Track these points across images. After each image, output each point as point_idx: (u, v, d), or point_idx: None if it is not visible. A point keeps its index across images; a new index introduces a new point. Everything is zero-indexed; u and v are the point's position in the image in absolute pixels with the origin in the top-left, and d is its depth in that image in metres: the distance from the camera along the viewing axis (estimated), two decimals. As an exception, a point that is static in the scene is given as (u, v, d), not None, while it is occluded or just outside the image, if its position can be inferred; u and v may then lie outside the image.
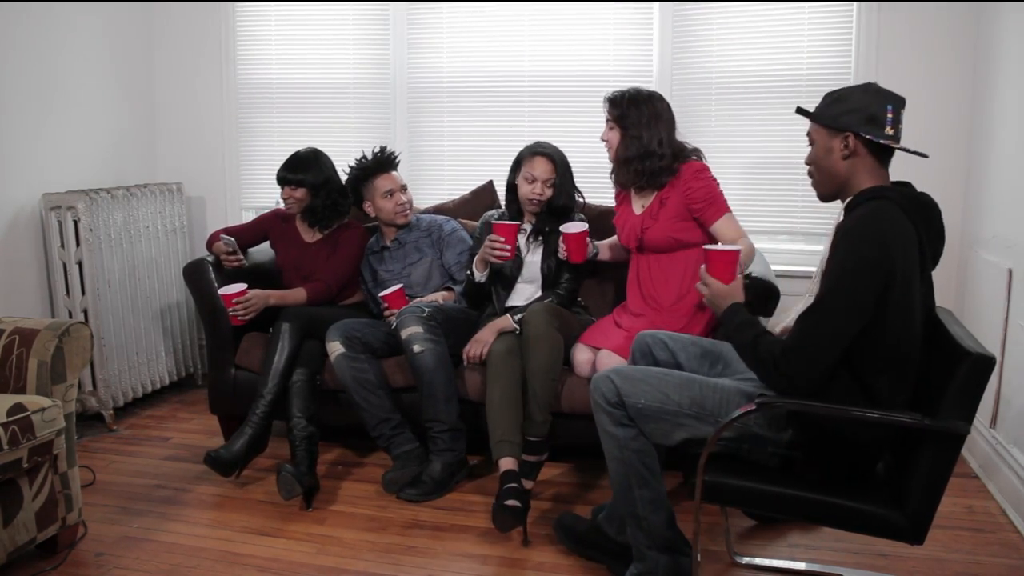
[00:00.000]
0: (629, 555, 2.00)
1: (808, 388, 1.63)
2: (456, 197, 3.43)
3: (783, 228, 3.37)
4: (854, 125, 1.71)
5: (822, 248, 1.79)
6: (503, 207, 3.07)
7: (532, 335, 2.54)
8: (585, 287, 2.99)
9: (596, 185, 3.05)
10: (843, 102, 1.73)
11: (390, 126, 3.72)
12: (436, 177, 3.71)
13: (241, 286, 2.74)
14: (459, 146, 3.67)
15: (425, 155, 3.71)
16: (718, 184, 2.58)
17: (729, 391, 1.83)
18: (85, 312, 3.19)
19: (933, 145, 3.07)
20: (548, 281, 2.86)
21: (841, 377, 1.66)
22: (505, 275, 2.88)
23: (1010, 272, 2.54)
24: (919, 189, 1.76)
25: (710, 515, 2.43)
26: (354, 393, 2.66)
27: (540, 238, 2.87)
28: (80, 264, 3.16)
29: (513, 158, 2.89)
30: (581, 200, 2.92)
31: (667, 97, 2.69)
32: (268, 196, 3.77)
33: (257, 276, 3.01)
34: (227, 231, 3.08)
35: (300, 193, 2.99)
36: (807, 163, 1.83)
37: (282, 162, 3.02)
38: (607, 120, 2.62)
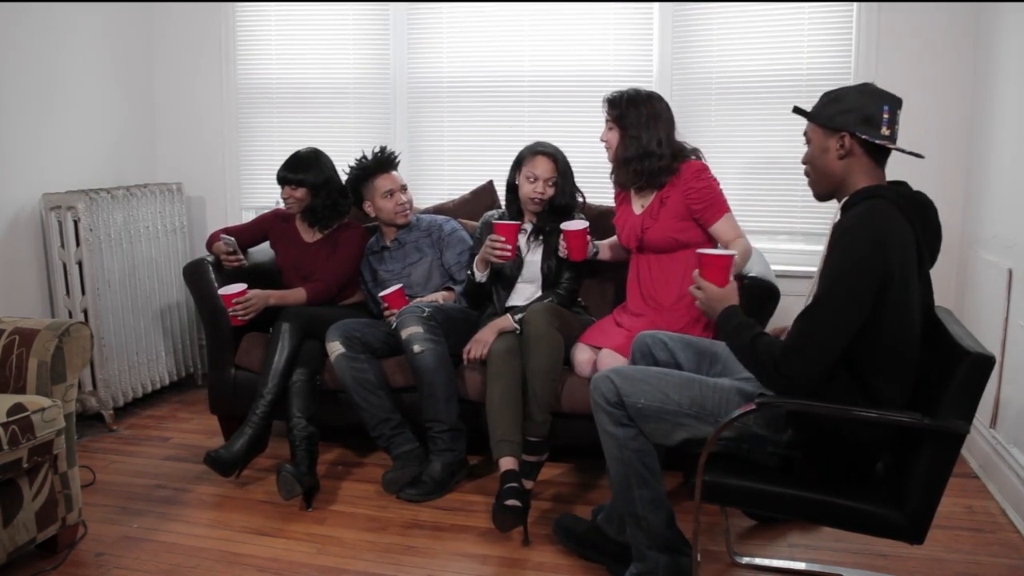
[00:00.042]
0: (629, 555, 2.00)
1: (808, 388, 1.63)
2: (456, 197, 3.43)
3: (783, 228, 3.37)
4: (850, 125, 1.71)
5: (821, 248, 1.79)
6: (503, 207, 3.07)
7: (532, 335, 2.54)
8: (585, 287, 2.99)
9: (596, 185, 3.05)
10: (839, 102, 1.74)
11: (390, 126, 3.72)
12: (436, 177, 3.71)
13: (241, 286, 2.74)
14: (459, 146, 3.67)
15: (425, 155, 3.72)
16: (718, 183, 2.58)
17: (729, 391, 1.84)
18: (85, 312, 3.19)
19: (933, 145, 3.09)
20: (548, 281, 2.87)
21: (840, 377, 1.66)
22: (505, 275, 2.89)
23: (1010, 272, 2.54)
24: (919, 189, 1.76)
25: (710, 515, 2.43)
26: (354, 393, 2.66)
27: (541, 237, 2.87)
28: (80, 264, 3.16)
29: (513, 158, 2.89)
30: (582, 200, 2.92)
31: (667, 97, 2.69)
32: (268, 196, 3.77)
33: (257, 276, 3.01)
34: (227, 231, 3.08)
35: (300, 193, 2.99)
36: (803, 162, 1.84)
37: (282, 162, 3.02)
38: (606, 120, 2.62)
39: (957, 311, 2.94)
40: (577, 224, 2.68)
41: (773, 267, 2.76)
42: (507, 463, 2.43)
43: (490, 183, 3.38)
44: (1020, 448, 2.44)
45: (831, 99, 1.76)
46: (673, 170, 2.57)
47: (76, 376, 2.27)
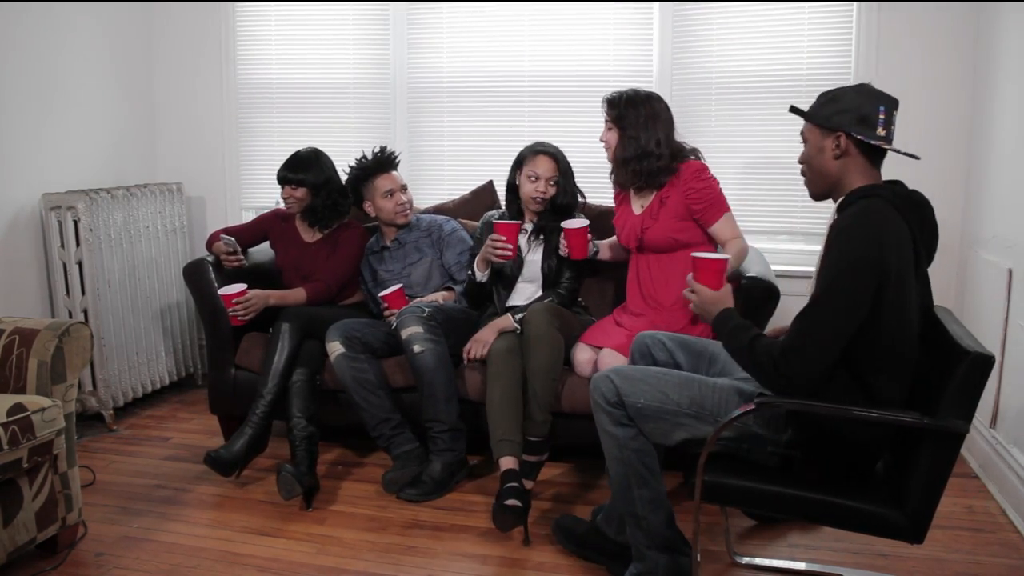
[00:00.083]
0: (628, 555, 2.00)
1: (808, 388, 1.63)
2: (456, 197, 3.43)
3: (783, 228, 3.37)
4: (846, 125, 1.71)
5: (820, 248, 1.79)
6: (503, 207, 3.07)
7: (533, 335, 2.54)
8: (585, 287, 2.99)
9: (596, 185, 3.05)
10: (836, 102, 1.74)
11: (390, 126, 3.72)
12: (436, 177, 3.71)
13: (241, 286, 2.74)
14: (459, 146, 3.67)
15: (425, 155, 3.72)
16: (718, 183, 2.59)
17: (728, 391, 1.84)
18: (85, 312, 3.19)
19: (933, 145, 3.09)
20: (549, 280, 2.87)
21: (840, 376, 1.66)
22: (506, 275, 2.89)
23: (1010, 272, 2.54)
24: (919, 189, 1.76)
25: (710, 515, 2.43)
26: (354, 393, 2.66)
27: (541, 237, 2.87)
28: (80, 264, 3.16)
29: (513, 158, 2.89)
30: (582, 200, 2.93)
31: (667, 97, 2.69)
32: (268, 196, 3.77)
33: (257, 276, 3.01)
34: (227, 231, 3.08)
35: (301, 193, 2.99)
36: (800, 162, 1.85)
37: (282, 162, 3.02)
38: (605, 121, 2.63)
39: (957, 311, 2.94)
40: (578, 222, 2.69)
41: (773, 267, 2.76)
42: (507, 463, 2.43)
43: (490, 183, 3.38)
44: (1020, 448, 2.44)
45: (828, 99, 1.77)
46: (672, 170, 2.58)
47: (76, 376, 2.27)
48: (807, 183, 1.84)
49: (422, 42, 3.64)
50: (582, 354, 2.64)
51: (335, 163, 3.10)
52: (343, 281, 3.03)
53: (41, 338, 2.21)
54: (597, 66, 3.45)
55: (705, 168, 2.59)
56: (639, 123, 2.55)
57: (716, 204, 2.55)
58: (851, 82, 1.93)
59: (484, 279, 2.83)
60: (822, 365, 1.62)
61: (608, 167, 2.70)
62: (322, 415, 2.74)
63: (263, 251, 3.22)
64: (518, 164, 2.87)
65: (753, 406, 1.67)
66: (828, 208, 1.84)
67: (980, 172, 2.96)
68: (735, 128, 3.34)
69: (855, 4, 3.15)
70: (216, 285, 2.88)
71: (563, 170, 2.84)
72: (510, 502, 2.28)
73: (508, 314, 2.71)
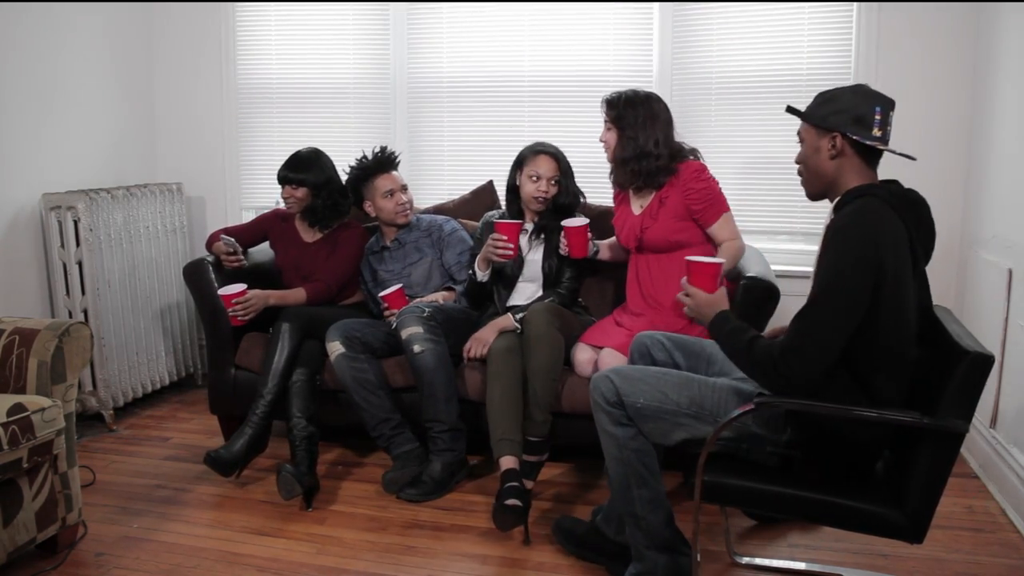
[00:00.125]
0: (628, 555, 2.00)
1: (808, 388, 1.63)
2: (456, 197, 3.43)
3: (783, 228, 3.37)
4: (842, 125, 1.72)
5: (818, 248, 1.80)
6: (503, 207, 3.07)
7: (533, 335, 2.54)
8: (585, 287, 2.99)
9: (596, 185, 3.05)
10: (832, 102, 1.75)
11: (390, 126, 3.72)
12: (436, 177, 3.71)
13: (241, 286, 2.74)
14: (459, 146, 3.67)
15: (425, 155, 3.72)
16: (718, 183, 2.59)
17: (728, 391, 1.84)
18: (85, 312, 3.19)
19: (933, 145, 3.09)
20: (549, 280, 2.87)
21: (839, 376, 1.66)
22: (506, 274, 2.89)
23: (1010, 272, 2.54)
24: (920, 189, 1.77)
25: (710, 515, 2.43)
26: (354, 393, 2.66)
27: (542, 236, 2.87)
28: (80, 264, 3.16)
29: (513, 158, 2.90)
30: (582, 200, 2.93)
31: (667, 97, 2.69)
32: (268, 196, 3.77)
33: (257, 276, 3.01)
34: (227, 231, 3.08)
35: (301, 193, 2.99)
36: (797, 162, 1.85)
37: (282, 162, 3.02)
38: (605, 121, 2.64)
39: (957, 311, 2.94)
40: (578, 221, 2.69)
41: (773, 267, 2.76)
42: (507, 462, 2.43)
43: (490, 183, 3.38)
44: (1020, 448, 2.44)
45: (825, 99, 1.77)
46: (671, 170, 2.58)
47: (76, 376, 2.27)
48: (804, 183, 1.85)
49: (422, 42, 3.64)
50: (582, 354, 2.64)
51: (335, 163, 3.10)
52: (343, 281, 3.03)
53: (41, 338, 2.21)
54: (597, 66, 3.45)
55: (704, 168, 2.59)
56: (638, 123, 2.56)
57: (715, 204, 2.55)
58: (851, 82, 1.93)
59: (485, 279, 2.83)
60: (822, 365, 1.62)
61: (608, 167, 2.71)
62: (322, 415, 2.74)
63: (263, 251, 3.22)
64: (518, 164, 2.87)
65: (753, 406, 1.67)
66: (828, 208, 1.84)
67: (980, 172, 2.96)
68: (735, 128, 3.33)
69: (855, 4, 3.15)
70: (216, 285, 2.88)
71: (564, 170, 2.85)
72: (510, 502, 2.28)
73: (508, 314, 2.71)
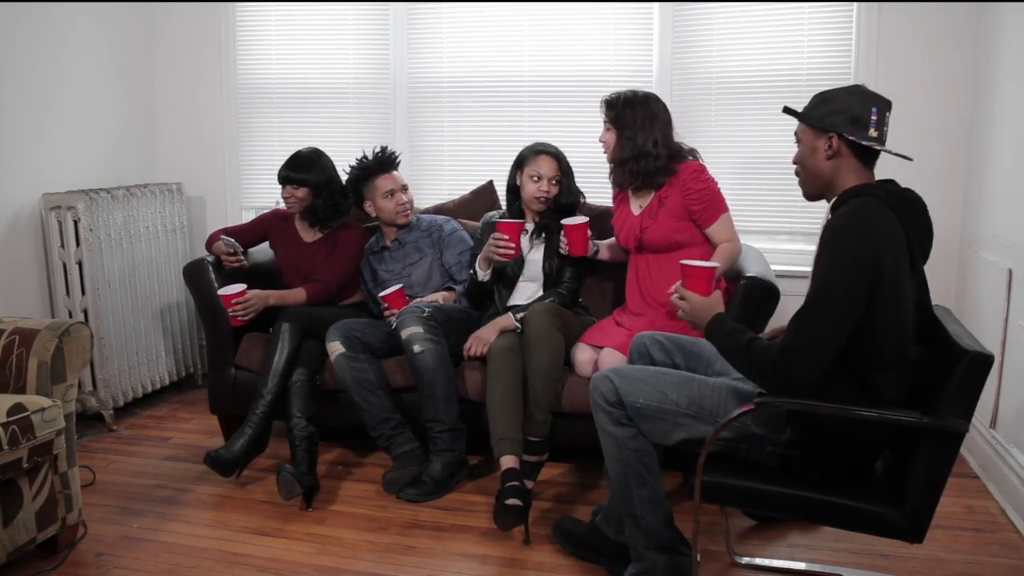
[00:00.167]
0: (627, 555, 2.00)
1: (807, 388, 1.63)
2: (456, 197, 3.43)
3: (783, 228, 3.37)
4: (838, 126, 1.72)
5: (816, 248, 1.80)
6: (503, 207, 3.07)
7: (533, 335, 2.54)
8: (585, 287, 2.99)
9: (596, 185, 3.06)
10: (829, 103, 1.75)
11: (390, 126, 3.72)
12: (436, 177, 3.71)
13: (240, 287, 2.74)
14: (459, 146, 3.67)
15: (425, 155, 3.72)
16: (717, 184, 2.59)
17: (727, 391, 1.84)
18: (85, 312, 3.19)
19: (933, 145, 3.09)
20: (550, 280, 2.87)
21: (839, 376, 1.66)
22: (507, 274, 2.89)
23: (1010, 272, 2.54)
24: (920, 189, 1.77)
25: (710, 515, 2.43)
26: (354, 393, 2.66)
27: (543, 235, 2.87)
28: (80, 264, 3.16)
29: (513, 158, 2.90)
30: (582, 201, 2.93)
31: (667, 97, 2.69)
32: (268, 196, 3.77)
33: (257, 276, 3.01)
34: (226, 231, 3.08)
35: (302, 193, 2.99)
36: (794, 162, 1.86)
37: (282, 162, 3.02)
38: (604, 122, 2.64)
39: (957, 311, 2.94)
40: (578, 219, 2.69)
41: (773, 267, 2.76)
42: (508, 461, 2.43)
43: (490, 183, 3.38)
44: (1020, 448, 2.44)
45: (821, 100, 1.78)
46: (670, 170, 2.58)
47: (76, 376, 2.27)
48: (801, 183, 1.86)
49: (422, 42, 3.64)
50: (582, 354, 2.64)
51: (335, 163, 3.10)
52: (343, 281, 3.03)
53: (41, 338, 2.21)
54: (597, 66, 3.45)
55: (703, 169, 2.59)
56: (636, 124, 2.56)
57: (714, 205, 2.56)
58: (851, 82, 1.94)
59: (486, 278, 2.83)
60: (821, 365, 1.62)
61: (608, 167, 2.71)
62: (322, 415, 2.74)
63: (263, 251, 3.22)
64: (519, 164, 2.87)
65: (752, 406, 1.67)
66: (827, 208, 1.84)
67: (980, 172, 2.96)
68: (735, 128, 3.33)
69: (855, 4, 3.15)
70: (216, 285, 2.88)
71: (564, 170, 2.86)
72: (511, 501, 2.28)
73: (509, 313, 2.71)
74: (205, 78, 3.85)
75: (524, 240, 2.88)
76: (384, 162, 3.02)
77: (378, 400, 2.67)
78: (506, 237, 2.67)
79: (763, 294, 2.46)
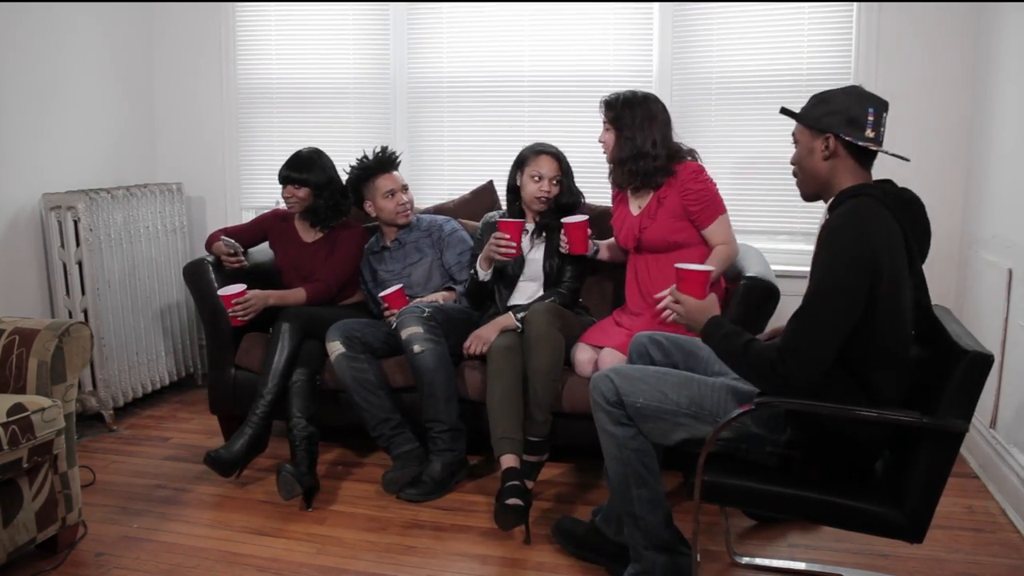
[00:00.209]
0: (627, 555, 2.00)
1: (806, 389, 1.63)
2: (456, 197, 3.43)
3: (783, 228, 3.37)
4: (835, 126, 1.73)
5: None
6: (504, 207, 3.07)
7: (534, 335, 2.54)
8: (585, 287, 2.99)
9: (596, 185, 3.06)
10: (826, 104, 1.76)
11: (390, 126, 3.72)
12: (436, 177, 3.71)
13: (240, 287, 2.74)
14: (459, 146, 3.67)
15: (425, 155, 3.72)
16: (715, 185, 2.60)
17: (727, 390, 1.84)
18: (85, 312, 3.19)
19: (933, 145, 3.09)
20: (550, 279, 2.87)
21: (838, 376, 1.66)
22: (507, 274, 2.89)
23: (1010, 272, 2.54)
24: (920, 189, 1.77)
25: (710, 515, 2.43)
26: (354, 393, 2.66)
27: (543, 234, 2.87)
28: (80, 264, 3.16)
29: (513, 158, 2.90)
30: (582, 201, 2.93)
31: (667, 97, 2.69)
32: (268, 196, 3.77)
33: (257, 276, 3.01)
34: (226, 231, 3.08)
35: (304, 192, 2.99)
36: (792, 163, 1.86)
37: (282, 162, 3.02)
38: (603, 122, 2.64)
39: (957, 311, 2.94)
40: (578, 217, 2.70)
41: (773, 267, 2.76)
42: (508, 460, 2.43)
43: (490, 183, 3.38)
44: (1020, 448, 2.44)
45: (819, 100, 1.78)
46: (669, 171, 2.58)
47: (76, 376, 2.27)
48: (799, 184, 1.86)
49: (422, 42, 3.64)
50: (582, 354, 2.65)
51: (335, 163, 3.10)
52: (343, 281, 3.03)
53: (41, 338, 2.21)
54: (597, 66, 3.45)
55: (702, 170, 2.59)
56: (635, 124, 2.57)
57: (712, 206, 2.56)
58: (851, 82, 1.94)
59: (487, 278, 2.83)
60: (820, 365, 1.62)
61: (608, 167, 2.71)
62: (322, 415, 2.74)
63: (263, 251, 3.22)
64: (519, 165, 2.87)
65: (752, 406, 1.67)
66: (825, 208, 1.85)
67: (980, 172, 2.96)
68: (735, 128, 3.33)
69: (855, 4, 3.15)
70: (216, 285, 2.88)
71: (565, 170, 2.86)
72: (511, 501, 2.28)
73: (510, 312, 2.71)
74: (205, 78, 3.85)
75: (524, 240, 2.88)
76: (385, 162, 3.02)
77: (378, 400, 2.67)
78: (508, 236, 2.67)
79: (763, 294, 2.46)
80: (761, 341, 1.71)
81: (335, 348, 2.68)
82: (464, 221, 3.23)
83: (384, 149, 3.04)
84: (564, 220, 2.71)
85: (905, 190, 1.74)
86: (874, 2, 3.11)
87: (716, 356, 2.07)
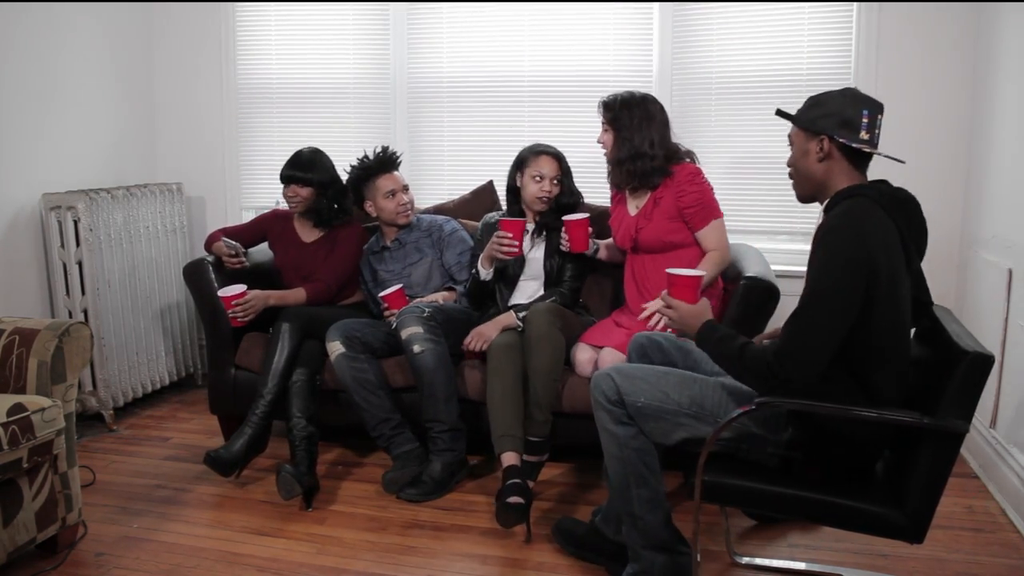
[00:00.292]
0: (627, 555, 2.00)
1: (805, 390, 1.63)
2: (456, 197, 3.43)
3: (783, 228, 3.37)
4: (829, 128, 1.73)
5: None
6: (504, 207, 3.07)
7: (534, 335, 2.54)
8: (585, 287, 2.99)
9: (595, 185, 3.06)
10: (821, 106, 1.76)
11: (390, 126, 3.72)
12: (436, 177, 3.71)
13: (240, 287, 2.74)
14: (459, 146, 3.67)
15: (425, 155, 3.72)
16: (712, 189, 2.60)
17: (728, 390, 1.84)
18: (85, 312, 3.19)
19: (933, 145, 3.09)
20: (551, 278, 2.87)
21: (838, 376, 1.66)
22: (508, 273, 2.89)
23: (1010, 272, 2.54)
24: (919, 189, 1.78)
25: (710, 515, 2.43)
26: (354, 393, 2.66)
27: (544, 234, 2.88)
28: (80, 264, 3.16)
29: (513, 158, 2.90)
30: (581, 201, 2.93)
31: (667, 97, 2.70)
32: (268, 196, 3.77)
33: (257, 276, 3.01)
34: (225, 231, 3.08)
35: (306, 192, 3.00)
36: (788, 165, 1.87)
37: (282, 162, 3.02)
38: (602, 123, 2.65)
39: (957, 311, 2.94)
40: (579, 215, 2.70)
41: (773, 267, 2.76)
42: (509, 458, 2.43)
43: (490, 183, 3.38)
44: (1020, 448, 2.44)
45: (813, 103, 1.79)
46: (667, 172, 2.59)
47: (76, 376, 2.27)
48: (794, 185, 1.87)
49: (422, 42, 3.64)
50: (583, 354, 2.65)
51: (335, 163, 3.10)
52: (343, 280, 3.03)
53: (41, 338, 2.21)
54: (597, 66, 3.45)
55: (699, 172, 2.60)
56: (633, 124, 2.57)
57: (707, 209, 2.57)
58: (851, 83, 1.94)
59: (489, 277, 2.83)
60: (816, 367, 1.62)
61: (607, 167, 2.71)
62: (322, 415, 2.74)
63: (263, 251, 3.22)
64: (519, 165, 2.87)
65: (753, 406, 1.67)
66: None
67: (980, 172, 2.96)
68: (735, 128, 3.33)
69: (855, 4, 3.15)
70: (216, 285, 2.88)
71: (565, 170, 2.87)
72: (512, 499, 2.28)
73: (511, 311, 2.72)
74: (205, 78, 3.85)
75: (525, 239, 2.88)
76: (385, 162, 3.02)
77: (378, 400, 2.67)
78: (510, 235, 2.68)
79: (763, 294, 2.46)
80: (756, 344, 1.71)
81: (335, 348, 2.68)
82: (464, 221, 3.23)
83: (385, 149, 3.04)
84: (565, 218, 2.72)
85: (900, 190, 1.75)
86: (874, 2, 3.11)
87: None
